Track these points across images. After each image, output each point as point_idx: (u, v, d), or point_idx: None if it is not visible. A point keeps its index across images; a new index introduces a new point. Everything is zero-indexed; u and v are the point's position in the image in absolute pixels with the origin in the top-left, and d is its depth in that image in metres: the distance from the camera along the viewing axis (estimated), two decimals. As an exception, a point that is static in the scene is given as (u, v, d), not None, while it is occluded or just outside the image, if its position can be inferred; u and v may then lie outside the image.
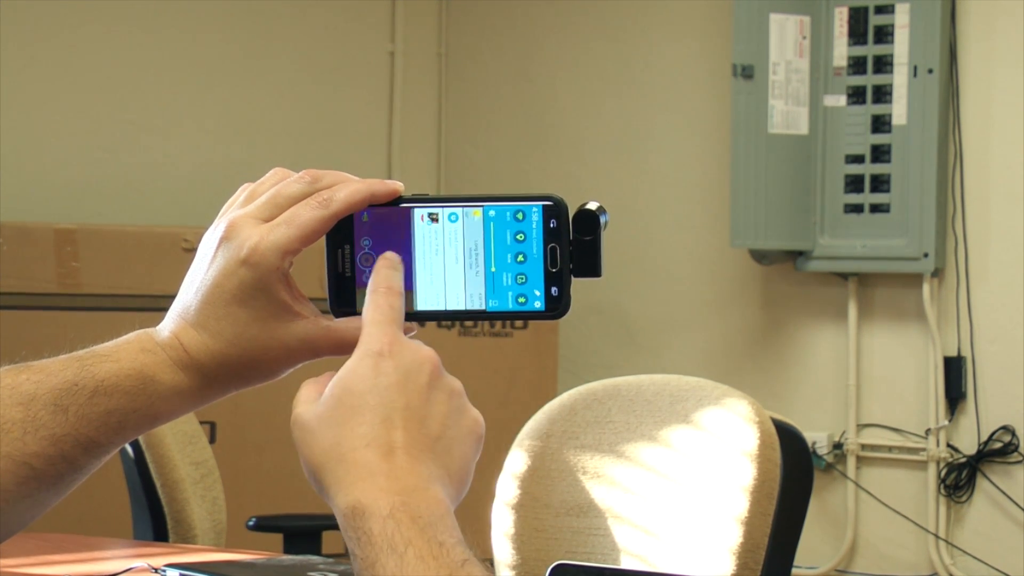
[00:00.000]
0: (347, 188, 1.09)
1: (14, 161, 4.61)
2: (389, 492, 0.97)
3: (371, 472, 0.98)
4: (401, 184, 1.10)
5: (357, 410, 1.00)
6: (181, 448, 2.87)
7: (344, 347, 1.09)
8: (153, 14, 4.91)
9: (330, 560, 1.94)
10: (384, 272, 1.07)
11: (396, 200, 1.10)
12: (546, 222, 1.08)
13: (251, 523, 3.13)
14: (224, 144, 5.04)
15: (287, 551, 3.07)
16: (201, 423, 3.11)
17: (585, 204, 1.10)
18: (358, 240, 1.10)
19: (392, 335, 1.03)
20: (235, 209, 1.10)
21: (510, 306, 1.09)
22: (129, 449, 2.80)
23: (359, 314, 1.09)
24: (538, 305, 1.09)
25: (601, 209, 1.10)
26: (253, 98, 5.12)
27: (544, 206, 1.09)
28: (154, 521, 2.79)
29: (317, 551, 3.03)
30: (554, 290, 1.09)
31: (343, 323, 1.09)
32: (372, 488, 0.97)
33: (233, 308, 1.08)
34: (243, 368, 1.10)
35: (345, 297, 1.10)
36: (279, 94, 5.18)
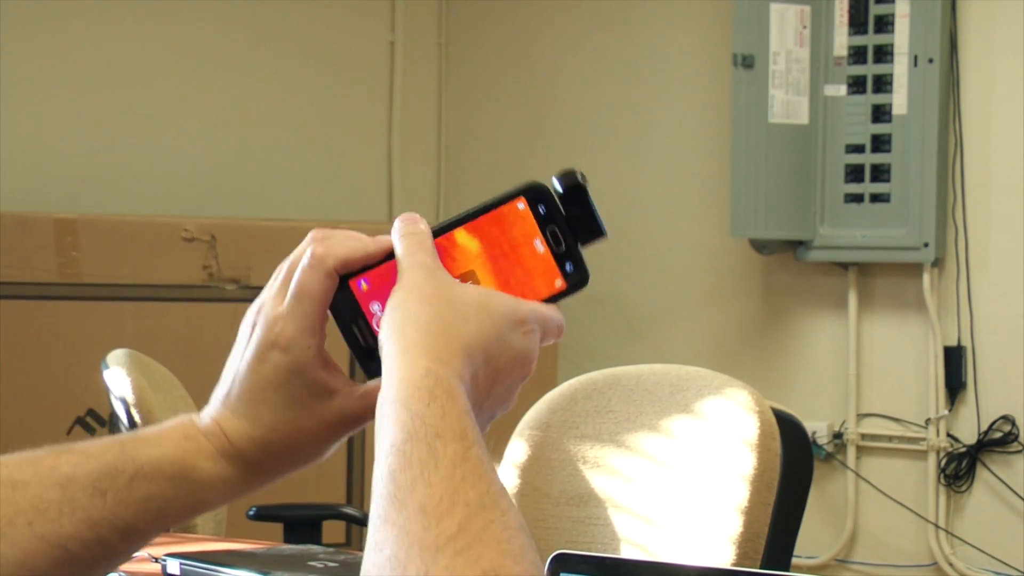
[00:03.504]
0: (342, 245, 1.07)
1: (14, 151, 4.60)
2: (440, 365, 0.97)
3: (415, 355, 0.98)
4: (391, 239, 1.08)
5: (441, 318, 1.00)
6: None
7: None
8: (153, 5, 4.91)
9: (330, 549, 1.94)
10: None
11: (390, 255, 1.06)
12: (535, 210, 1.07)
13: (251, 512, 3.13)
14: (224, 134, 5.04)
15: (287, 540, 3.07)
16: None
17: (561, 174, 1.08)
18: (367, 308, 1.07)
19: (529, 309, 1.03)
20: (267, 287, 1.09)
21: (535, 297, 1.08)
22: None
23: None
24: (561, 286, 1.08)
25: (578, 174, 1.09)
26: (253, 88, 5.12)
27: (527, 196, 1.07)
28: (154, 511, 2.79)
29: (317, 540, 3.03)
30: (568, 266, 1.08)
31: (376, 385, 1.05)
32: (431, 361, 0.97)
33: (269, 393, 1.06)
34: (286, 452, 1.08)
35: (375, 367, 1.06)
36: (279, 84, 5.18)
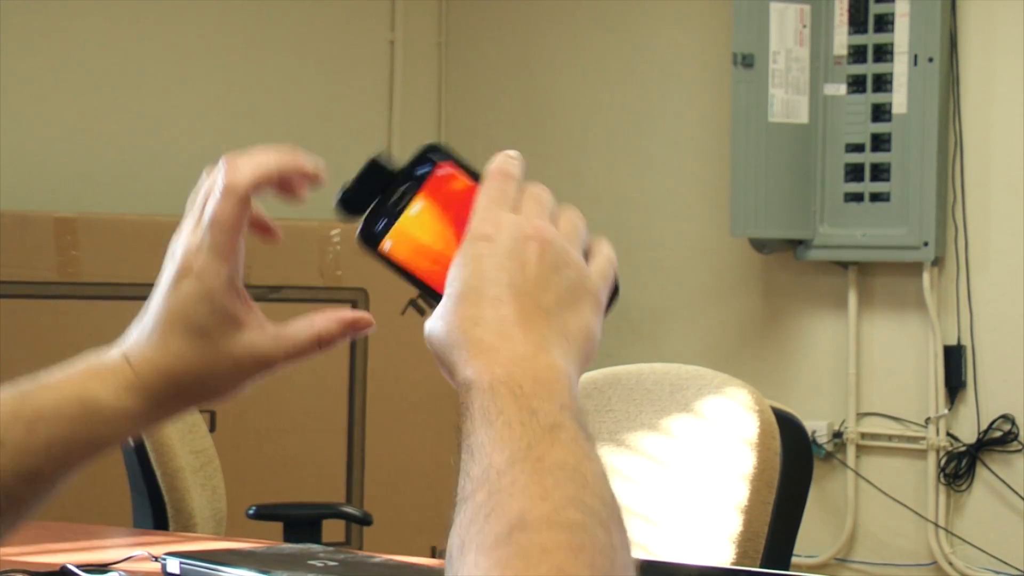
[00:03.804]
0: (242, 166, 1.07)
1: (14, 150, 4.60)
2: (496, 364, 0.93)
3: (482, 348, 0.95)
4: (303, 160, 1.07)
5: (464, 296, 0.97)
6: (181, 437, 2.87)
7: (297, 351, 1.07)
8: (153, 4, 4.91)
9: (330, 549, 1.94)
10: (501, 158, 1.04)
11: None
12: None
13: (251, 512, 3.13)
14: (224, 133, 5.04)
15: (287, 540, 3.07)
16: (201, 412, 3.11)
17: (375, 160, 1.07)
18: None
19: (493, 218, 1.00)
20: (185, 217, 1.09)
21: None
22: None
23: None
24: None
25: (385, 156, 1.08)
26: (253, 87, 5.12)
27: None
28: (154, 510, 2.79)
29: (317, 540, 3.03)
30: None
31: (294, 323, 1.06)
32: (479, 364, 0.94)
33: (178, 320, 1.05)
34: (191, 386, 1.06)
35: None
36: (279, 83, 5.18)
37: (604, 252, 1.04)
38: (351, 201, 1.07)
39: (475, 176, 1.06)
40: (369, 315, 1.10)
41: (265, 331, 1.06)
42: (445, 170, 1.06)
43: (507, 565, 0.81)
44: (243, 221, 1.07)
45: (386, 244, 1.06)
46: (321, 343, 1.08)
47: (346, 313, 1.09)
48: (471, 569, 0.82)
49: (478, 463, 0.88)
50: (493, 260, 0.98)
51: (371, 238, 1.06)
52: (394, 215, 1.06)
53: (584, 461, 0.88)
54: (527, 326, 0.96)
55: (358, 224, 1.06)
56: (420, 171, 1.06)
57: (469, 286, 0.98)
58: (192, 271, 1.05)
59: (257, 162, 1.07)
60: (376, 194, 1.06)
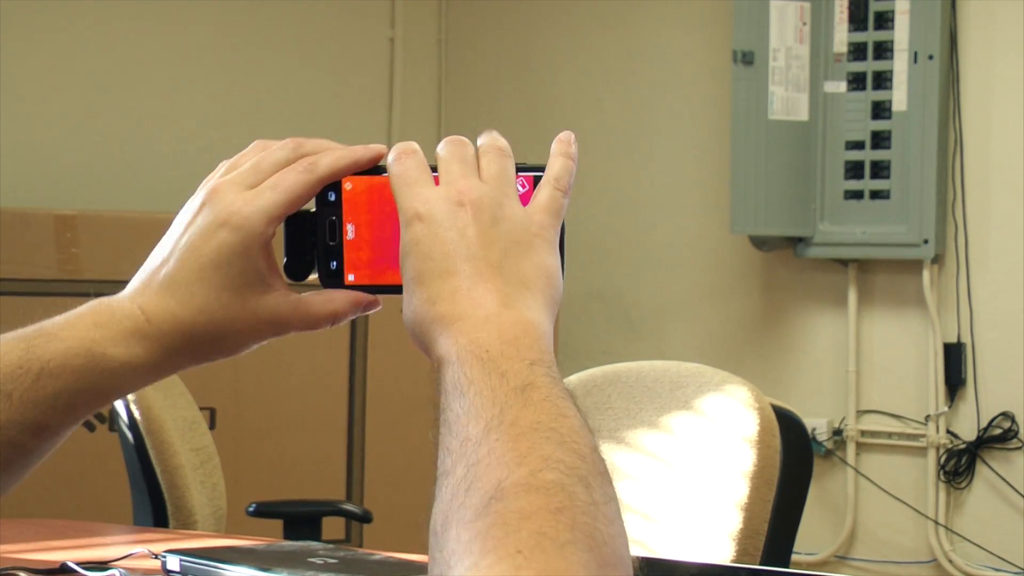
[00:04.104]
0: (332, 153, 1.08)
1: (14, 147, 4.60)
2: (461, 334, 0.94)
3: (444, 324, 0.96)
4: (384, 148, 1.08)
5: (418, 280, 0.99)
6: (181, 434, 2.87)
7: (313, 322, 1.07)
8: (152, 3, 4.90)
9: (330, 546, 1.94)
10: (400, 143, 1.06)
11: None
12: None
13: (251, 509, 3.13)
14: (224, 130, 5.04)
15: (287, 537, 3.07)
16: (201, 409, 3.11)
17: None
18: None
19: (419, 196, 1.01)
20: (217, 178, 1.08)
21: None
22: (129, 435, 2.80)
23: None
24: None
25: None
26: (253, 84, 5.12)
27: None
28: (154, 507, 2.79)
29: (317, 537, 3.03)
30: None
31: (313, 297, 1.07)
32: (446, 339, 0.95)
33: (208, 272, 1.05)
34: (206, 339, 1.06)
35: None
36: (279, 80, 5.18)
37: (548, 175, 1.04)
38: (294, 265, 1.10)
39: (380, 170, 1.08)
40: (378, 299, 1.10)
41: (287, 297, 1.07)
42: (351, 183, 1.08)
43: (487, 535, 0.81)
44: (308, 200, 1.08)
45: (349, 277, 1.09)
46: (335, 320, 1.09)
47: (360, 296, 1.10)
48: (453, 544, 0.82)
49: (455, 436, 0.89)
50: (431, 237, 0.99)
51: (334, 281, 1.09)
52: (338, 250, 1.08)
53: (559, 419, 0.88)
54: (483, 287, 0.97)
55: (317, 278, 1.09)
56: (331, 198, 1.08)
57: (418, 270, 0.99)
58: (231, 222, 1.05)
59: (339, 155, 1.08)
60: (310, 242, 1.09)
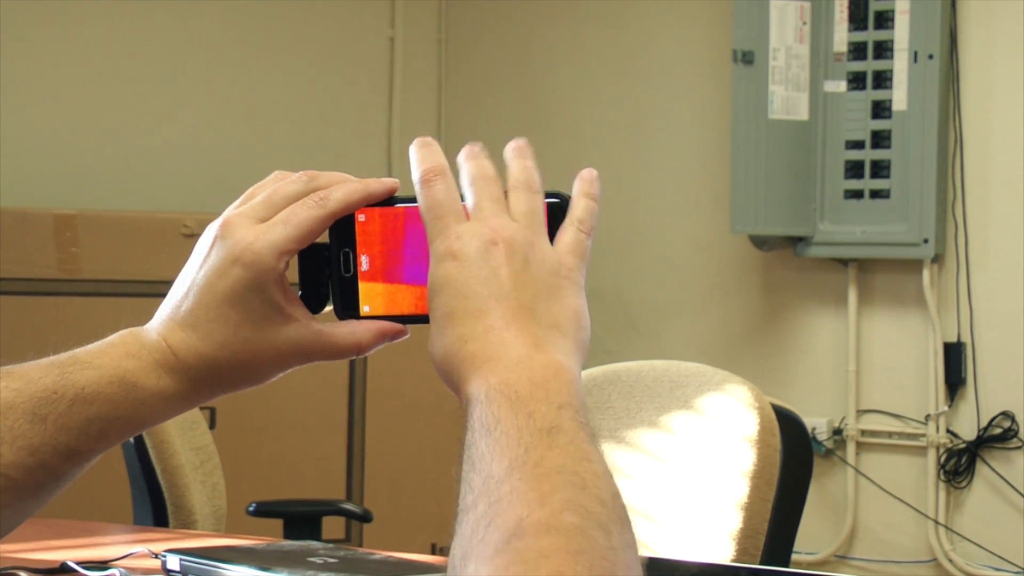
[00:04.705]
0: (344, 187, 1.08)
1: (14, 147, 4.60)
2: (492, 374, 0.94)
3: (475, 364, 0.96)
4: (397, 182, 1.09)
5: (449, 318, 0.99)
6: (181, 434, 2.87)
7: (337, 352, 1.08)
8: (152, 2, 4.90)
9: (330, 545, 1.94)
10: (422, 153, 1.05)
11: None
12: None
13: (251, 509, 3.13)
14: (224, 130, 5.04)
15: (287, 537, 3.07)
16: (201, 409, 3.11)
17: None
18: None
19: (453, 232, 1.01)
20: (231, 209, 1.09)
21: None
22: (129, 435, 2.80)
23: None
24: None
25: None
26: (253, 83, 5.12)
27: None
28: (154, 507, 2.79)
29: (317, 537, 3.03)
30: None
31: (336, 328, 1.08)
32: (476, 377, 0.95)
33: (225, 309, 1.06)
34: (232, 372, 1.08)
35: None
36: (279, 79, 5.18)
37: (572, 217, 1.05)
38: (309, 297, 1.10)
39: (392, 201, 1.09)
40: (405, 328, 1.11)
41: (309, 327, 1.08)
42: (364, 215, 1.09)
43: (506, 572, 0.81)
44: (319, 235, 1.08)
45: (364, 308, 1.09)
46: (359, 351, 1.09)
47: (385, 326, 1.10)
48: None
49: (479, 473, 0.89)
50: (464, 275, 0.99)
51: (349, 313, 1.09)
52: (352, 282, 1.09)
53: (583, 463, 0.89)
54: (515, 328, 0.97)
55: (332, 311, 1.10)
56: (344, 229, 1.09)
57: (450, 307, 0.99)
58: (242, 259, 1.06)
59: (351, 189, 1.08)
60: (325, 275, 1.10)
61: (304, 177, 1.09)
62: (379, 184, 1.09)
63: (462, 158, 1.06)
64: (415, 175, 1.05)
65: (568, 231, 1.05)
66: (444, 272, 1.00)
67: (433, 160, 1.05)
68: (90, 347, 1.07)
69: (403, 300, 1.08)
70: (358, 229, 1.09)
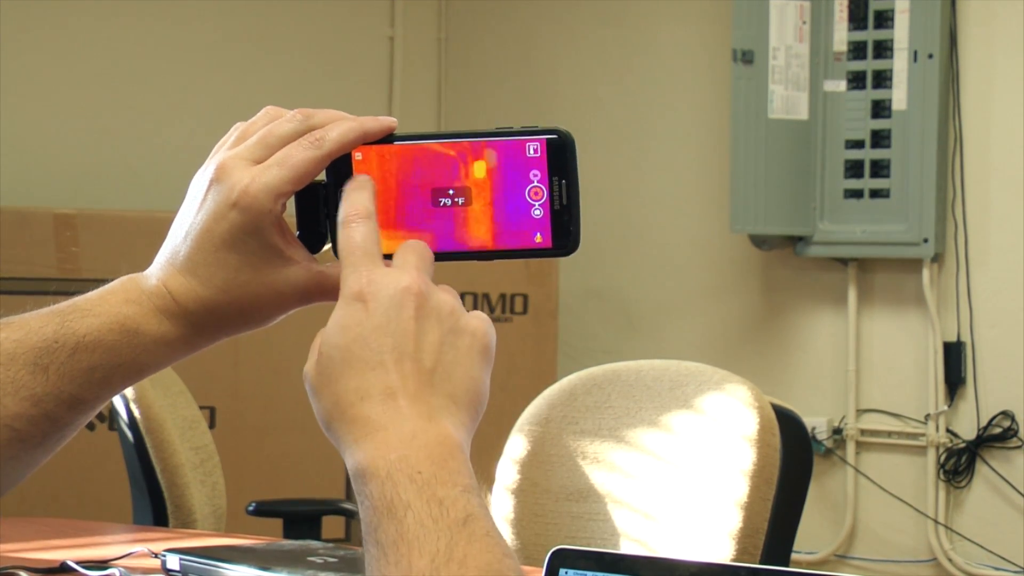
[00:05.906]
0: (340, 126, 1.06)
1: (14, 146, 4.60)
2: (388, 448, 0.94)
3: (370, 429, 0.95)
4: (395, 120, 1.08)
5: (347, 363, 0.97)
6: (181, 433, 2.87)
7: (336, 293, 1.05)
8: (152, 1, 4.91)
9: (330, 545, 1.94)
10: (352, 197, 1.04)
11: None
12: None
13: (251, 508, 3.13)
14: (224, 129, 5.02)
15: (287, 536, 3.07)
16: (201, 408, 3.11)
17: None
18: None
19: (365, 275, 0.99)
20: (225, 150, 1.08)
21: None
22: (129, 434, 2.80)
23: None
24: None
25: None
26: (252, 83, 5.12)
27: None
28: (154, 506, 2.79)
29: (317, 536, 3.03)
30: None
31: (335, 269, 1.06)
32: (371, 446, 0.94)
33: (223, 253, 1.05)
34: (232, 315, 1.07)
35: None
36: (278, 79, 5.18)
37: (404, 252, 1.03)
38: (308, 238, 1.09)
39: (390, 139, 1.07)
40: None
41: (309, 268, 1.07)
42: (360, 153, 1.07)
43: None
44: (315, 176, 1.07)
45: None
46: None
47: None
48: None
49: (394, 564, 0.89)
50: (371, 324, 0.98)
51: None
52: None
53: (504, 559, 0.89)
54: (413, 396, 0.96)
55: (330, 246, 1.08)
56: (342, 168, 1.07)
57: (350, 353, 0.97)
58: (239, 204, 1.04)
59: (348, 128, 1.07)
60: (323, 215, 1.08)
61: (299, 116, 1.07)
62: (376, 122, 1.07)
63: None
64: (339, 216, 1.04)
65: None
66: (351, 314, 0.98)
67: (360, 204, 1.04)
68: (90, 295, 1.07)
69: (401, 239, 1.06)
70: (355, 168, 1.07)
